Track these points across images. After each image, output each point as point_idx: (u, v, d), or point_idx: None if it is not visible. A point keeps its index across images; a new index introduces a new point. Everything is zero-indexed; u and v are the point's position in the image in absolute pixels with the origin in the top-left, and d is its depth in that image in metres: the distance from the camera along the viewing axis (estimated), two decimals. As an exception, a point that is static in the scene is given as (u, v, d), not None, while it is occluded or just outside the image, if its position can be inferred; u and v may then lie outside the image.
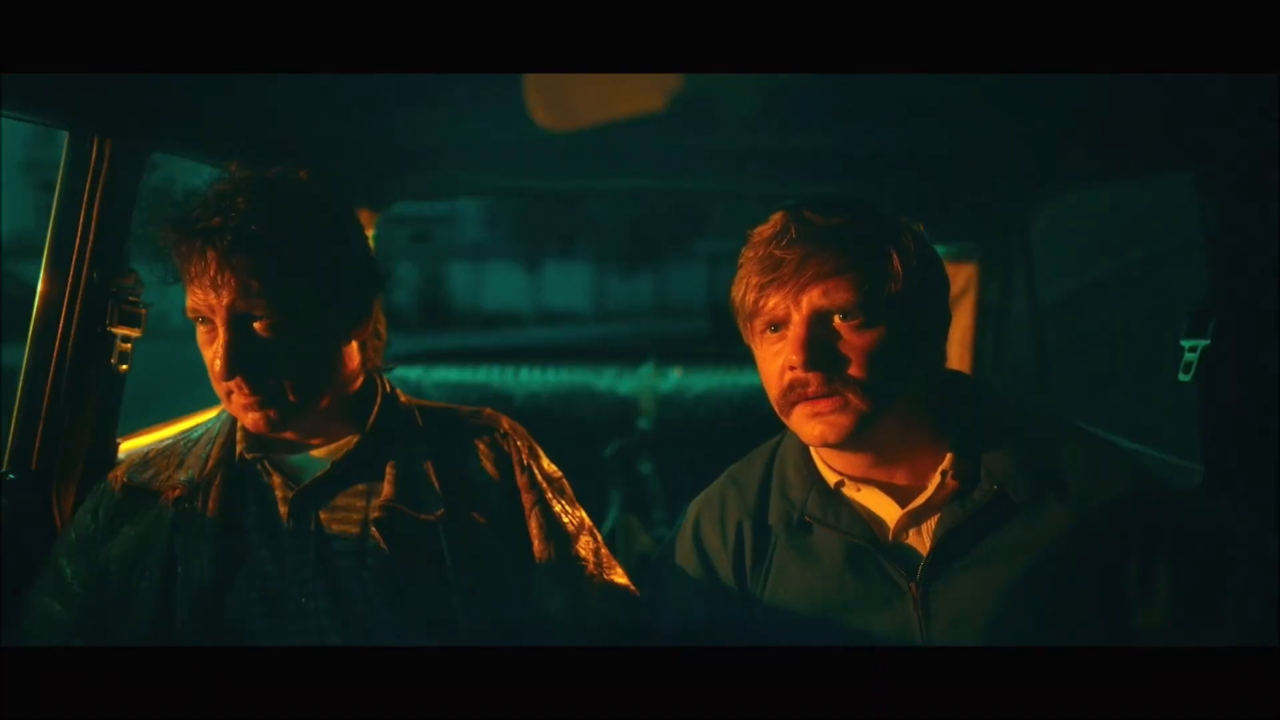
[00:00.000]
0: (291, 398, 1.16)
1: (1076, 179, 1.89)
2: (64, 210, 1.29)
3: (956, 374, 1.19)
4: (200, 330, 1.15)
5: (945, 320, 1.13)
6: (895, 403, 1.06)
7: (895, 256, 1.05)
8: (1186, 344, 1.39)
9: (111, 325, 1.34)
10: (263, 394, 1.14)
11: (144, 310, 1.39)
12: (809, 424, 1.06)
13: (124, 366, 1.39)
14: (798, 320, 1.05)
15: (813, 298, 1.04)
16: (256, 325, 1.12)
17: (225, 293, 1.10)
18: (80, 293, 1.30)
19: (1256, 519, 1.28)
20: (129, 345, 1.39)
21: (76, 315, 1.30)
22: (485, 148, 1.75)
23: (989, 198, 2.02)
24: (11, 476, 1.29)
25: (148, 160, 1.37)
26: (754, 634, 1.17)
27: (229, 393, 1.15)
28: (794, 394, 1.06)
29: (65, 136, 1.27)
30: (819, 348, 1.04)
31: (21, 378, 1.30)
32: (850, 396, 1.04)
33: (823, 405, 1.05)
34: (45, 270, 1.29)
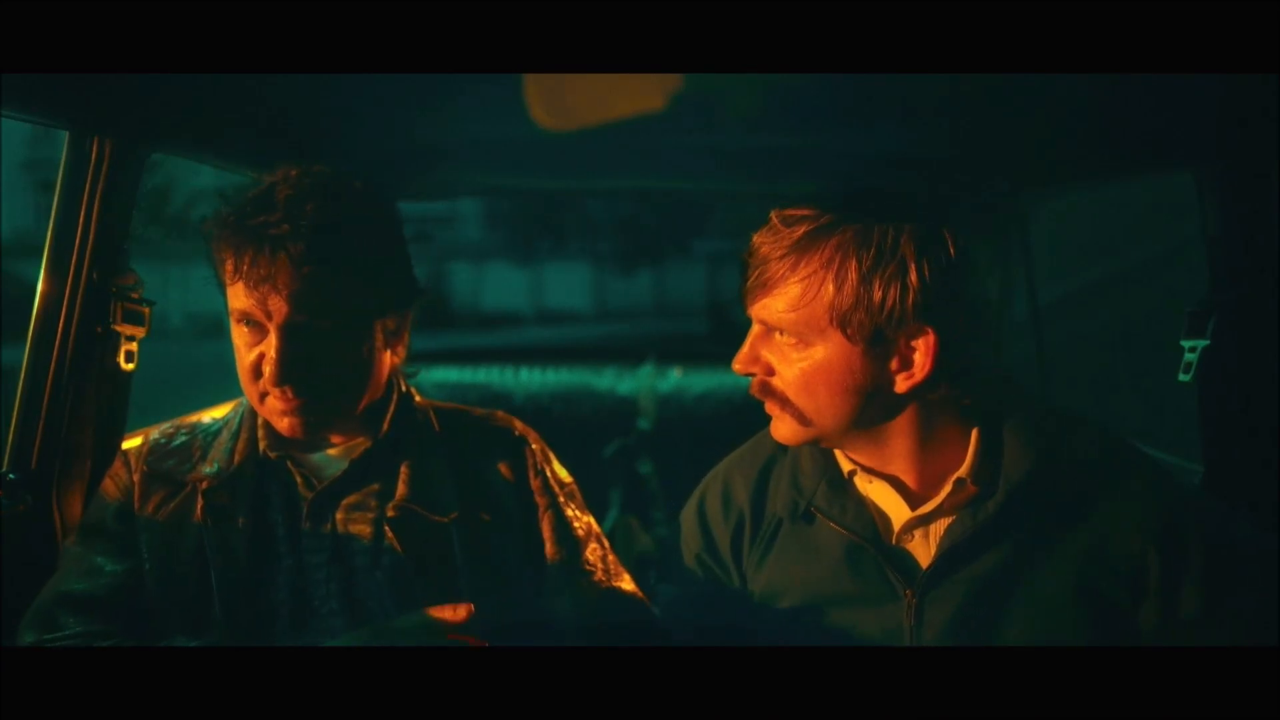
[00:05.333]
0: (332, 405, 1.16)
1: (1076, 179, 1.89)
2: (64, 210, 1.29)
3: (998, 375, 1.12)
4: (243, 331, 1.13)
5: (962, 324, 1.03)
6: (843, 422, 1.04)
7: (852, 270, 0.99)
8: (1186, 344, 1.39)
9: (115, 324, 1.34)
10: (304, 399, 1.13)
11: (147, 309, 1.39)
12: (773, 423, 1.10)
13: (129, 365, 1.39)
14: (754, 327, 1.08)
15: (757, 309, 1.06)
16: (310, 332, 1.11)
17: (289, 299, 1.09)
18: (80, 293, 1.30)
19: (1256, 519, 1.28)
20: (134, 344, 1.39)
21: (76, 315, 1.30)
22: (485, 148, 1.75)
23: (989, 197, 2.02)
24: (11, 476, 1.29)
25: (147, 160, 1.37)
26: (743, 615, 1.16)
27: (263, 395, 1.14)
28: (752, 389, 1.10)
29: (65, 136, 1.27)
30: (753, 357, 1.07)
31: (21, 378, 1.30)
32: (784, 407, 1.06)
33: (773, 408, 1.08)
34: (45, 270, 1.29)
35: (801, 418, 1.05)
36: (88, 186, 1.28)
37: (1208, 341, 1.35)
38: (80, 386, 1.32)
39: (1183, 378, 1.39)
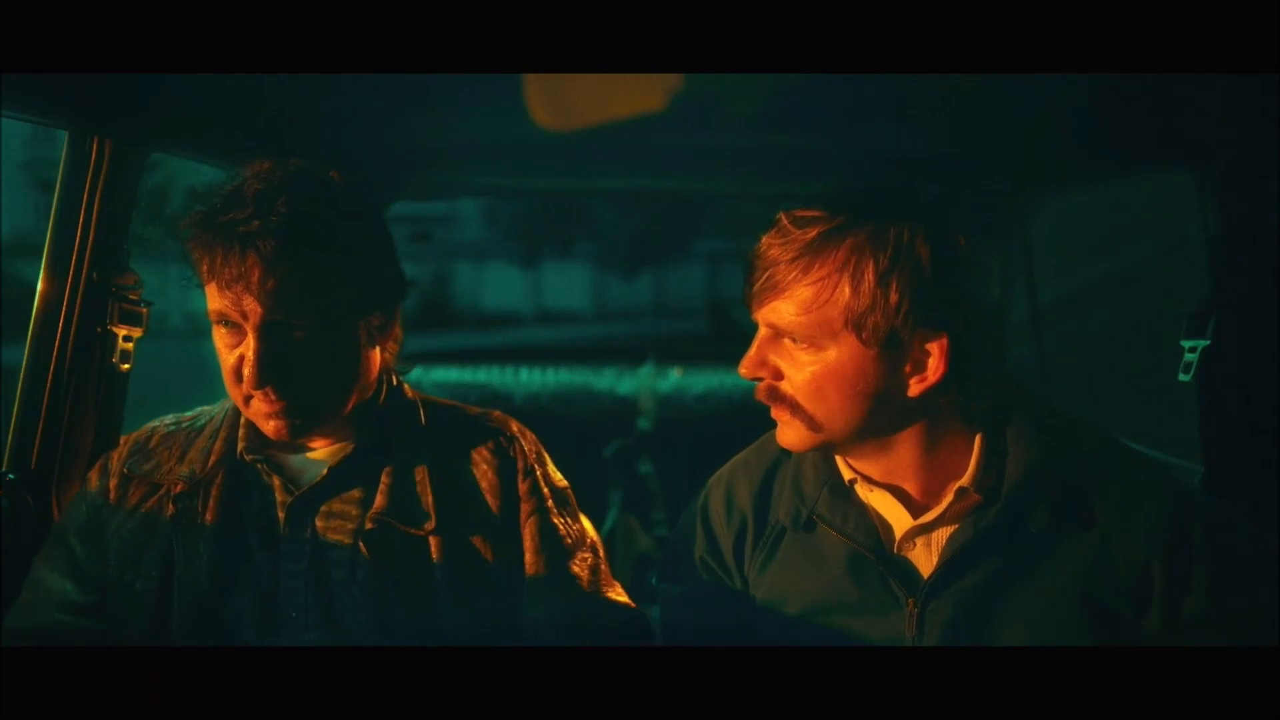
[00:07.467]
0: (317, 406, 1.12)
1: (1076, 179, 1.89)
2: (64, 210, 1.29)
3: (1006, 381, 1.09)
4: (222, 332, 1.10)
5: (975, 326, 1.01)
6: (852, 427, 1.03)
7: (869, 272, 0.97)
8: (1186, 344, 1.39)
9: (113, 324, 1.34)
10: (288, 401, 1.10)
11: (145, 309, 1.39)
12: (779, 428, 1.08)
13: (126, 365, 1.39)
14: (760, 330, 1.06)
15: (765, 313, 1.03)
16: (289, 332, 1.07)
17: (263, 298, 1.05)
18: (80, 293, 1.30)
19: (1256, 519, 1.28)
20: (131, 344, 1.39)
21: (76, 315, 1.30)
22: (485, 148, 1.75)
23: (989, 197, 2.02)
24: (11, 476, 1.29)
25: (147, 160, 1.37)
26: (745, 619, 1.15)
27: (248, 398, 1.11)
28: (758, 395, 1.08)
29: (65, 136, 1.27)
30: (760, 361, 1.06)
31: (21, 378, 1.30)
32: (794, 413, 1.04)
33: (780, 413, 1.06)
34: (45, 270, 1.29)
35: (811, 423, 1.04)
36: (88, 186, 1.28)
37: (1208, 341, 1.35)
38: (80, 386, 1.32)
39: (1183, 378, 1.39)
